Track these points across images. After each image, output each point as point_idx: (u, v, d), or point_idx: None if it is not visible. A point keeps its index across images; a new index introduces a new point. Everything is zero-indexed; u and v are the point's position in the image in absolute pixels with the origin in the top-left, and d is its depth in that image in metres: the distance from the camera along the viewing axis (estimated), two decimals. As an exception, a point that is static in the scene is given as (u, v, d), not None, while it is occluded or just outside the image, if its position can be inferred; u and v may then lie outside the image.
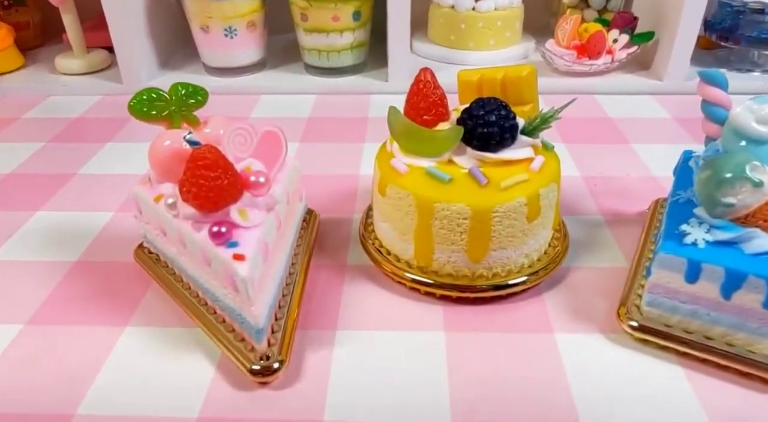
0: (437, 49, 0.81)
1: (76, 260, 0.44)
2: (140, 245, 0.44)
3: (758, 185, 0.31)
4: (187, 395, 0.33)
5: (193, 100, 0.38)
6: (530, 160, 0.38)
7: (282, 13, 0.78)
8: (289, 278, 0.40)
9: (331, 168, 0.56)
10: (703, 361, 0.34)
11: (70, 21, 0.76)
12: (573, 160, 0.57)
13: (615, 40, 0.73)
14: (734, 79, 0.72)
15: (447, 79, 0.73)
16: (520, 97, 0.40)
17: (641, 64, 0.76)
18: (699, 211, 0.34)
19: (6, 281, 0.42)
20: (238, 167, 0.34)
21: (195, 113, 0.38)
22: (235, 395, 0.33)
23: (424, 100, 0.39)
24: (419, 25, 0.85)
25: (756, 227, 0.32)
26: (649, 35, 0.72)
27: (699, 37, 0.76)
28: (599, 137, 0.62)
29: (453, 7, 0.78)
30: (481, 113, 0.37)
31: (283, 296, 0.38)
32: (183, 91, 0.38)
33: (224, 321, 0.36)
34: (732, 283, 0.32)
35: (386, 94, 0.73)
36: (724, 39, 0.74)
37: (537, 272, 0.40)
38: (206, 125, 0.38)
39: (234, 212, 0.33)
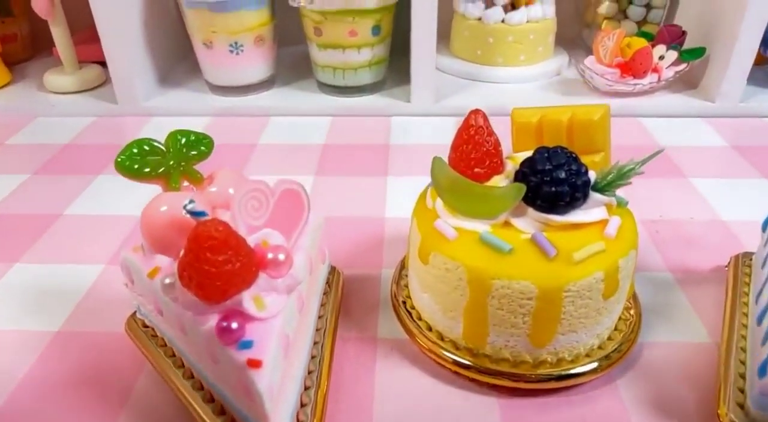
0: (462, 65, 0.74)
1: (57, 329, 0.38)
2: (133, 314, 0.37)
3: None
4: None
5: (195, 152, 0.31)
6: (604, 222, 0.32)
7: (293, 24, 0.71)
8: (312, 362, 0.33)
9: (352, 209, 0.50)
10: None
11: (59, 34, 0.69)
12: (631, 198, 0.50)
13: (661, 57, 0.66)
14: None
15: (472, 99, 0.67)
16: (591, 144, 0.34)
17: (687, 83, 0.69)
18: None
19: (-26, 359, 0.36)
20: (252, 240, 0.28)
21: (198, 166, 0.32)
22: None
23: (476, 149, 0.32)
24: (441, 37, 0.78)
25: None
26: (700, 51, 0.65)
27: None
28: (652, 169, 0.55)
29: (480, 19, 0.71)
30: (548, 167, 0.30)
31: (306, 389, 0.31)
32: (183, 141, 0.31)
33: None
34: None
35: (408, 116, 0.66)
36: (779, 55, 0.67)
37: (609, 354, 0.33)
38: (211, 181, 0.31)
39: (248, 301, 0.26)
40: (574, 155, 0.31)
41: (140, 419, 0.32)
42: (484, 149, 0.32)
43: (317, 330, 0.35)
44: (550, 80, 0.72)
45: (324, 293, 0.38)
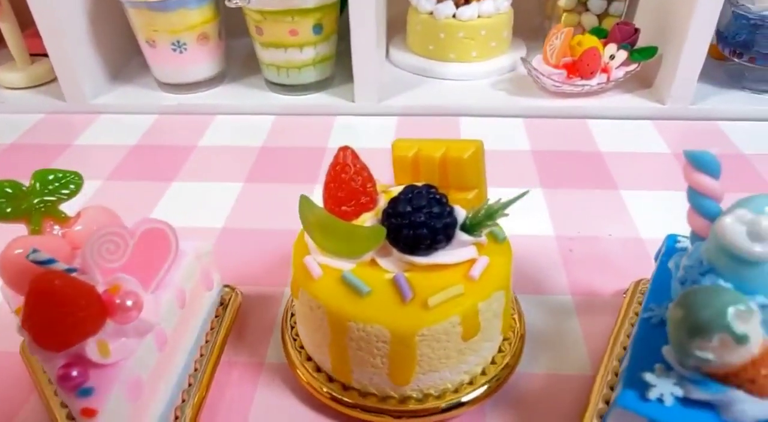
0: (416, 60, 0.73)
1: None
2: (30, 336, 0.38)
3: (742, 340, 0.24)
4: None
5: (66, 191, 0.32)
6: (471, 263, 0.31)
7: (244, 18, 0.70)
8: (188, 390, 0.34)
9: (272, 221, 0.50)
10: None
11: (8, 30, 0.69)
12: (549, 212, 0.50)
13: (612, 57, 0.64)
14: (751, 101, 0.64)
15: (422, 99, 0.66)
16: (463, 181, 0.33)
17: (642, 82, 0.68)
18: (668, 353, 0.27)
19: None
20: (102, 286, 0.28)
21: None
22: None
23: (342, 188, 0.32)
24: (398, 31, 0.77)
25: (738, 388, 0.25)
26: (650, 51, 0.63)
27: (711, 45, 0.67)
28: (584, 178, 0.54)
29: (431, 13, 0.69)
30: (408, 209, 0.30)
31: (176, 419, 0.32)
32: (51, 178, 0.32)
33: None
34: (703, 457, 0.25)
35: (352, 115, 0.66)
36: (738, 55, 0.65)
37: (477, 392, 0.33)
38: (77, 221, 0.32)
39: (91, 347, 0.27)
40: (437, 196, 0.31)
41: (20, 444, 0.33)
42: (352, 187, 0.32)
43: (202, 355, 0.36)
44: (502, 77, 0.70)
45: (217, 316, 0.39)
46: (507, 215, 0.31)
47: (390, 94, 0.67)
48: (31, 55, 0.73)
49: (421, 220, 0.30)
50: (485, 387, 0.34)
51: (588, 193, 0.52)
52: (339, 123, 0.65)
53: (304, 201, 0.32)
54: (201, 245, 0.36)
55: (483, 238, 0.32)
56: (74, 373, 0.27)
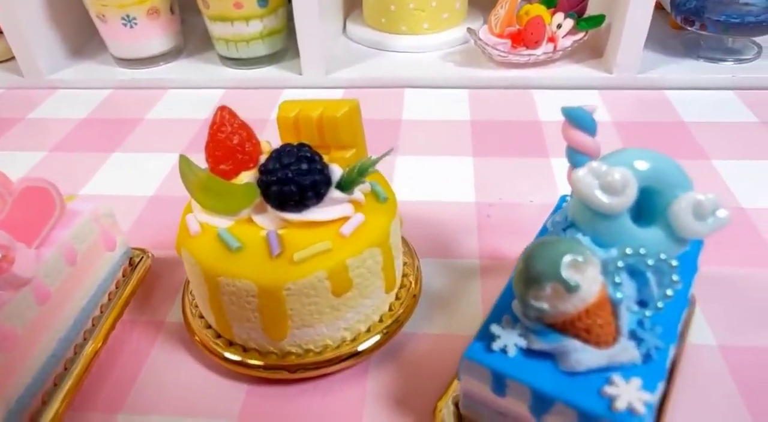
0: (370, 33, 0.72)
1: None
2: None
3: (572, 289, 0.24)
4: None
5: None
6: (345, 220, 0.32)
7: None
8: (79, 347, 0.35)
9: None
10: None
11: (-33, 7, 0.70)
12: (475, 180, 0.50)
13: (559, 26, 0.63)
14: (702, 70, 0.63)
15: (370, 72, 0.66)
16: (339, 140, 0.33)
17: (595, 51, 0.67)
18: (516, 306, 0.27)
19: None
20: (-27, 239, 0.29)
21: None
22: None
23: (219, 147, 0.32)
24: (358, 3, 0.77)
25: (575, 337, 0.25)
26: (598, 20, 0.62)
27: (669, 15, 0.66)
28: (517, 147, 0.54)
29: (382, -15, 0.69)
30: (276, 166, 0.31)
31: (66, 369, 0.34)
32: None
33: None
34: (540, 406, 0.26)
35: (300, 88, 0.66)
36: (689, 22, 0.63)
37: (359, 352, 0.34)
38: (-41, 179, 0.32)
39: (-41, 298, 0.28)
40: (308, 154, 0.31)
41: None
42: (228, 146, 0.33)
43: (102, 312, 0.37)
44: (454, 49, 0.70)
45: (124, 276, 0.40)
46: (373, 171, 0.31)
47: (339, 67, 0.67)
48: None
49: (288, 177, 0.30)
50: (369, 343, 0.34)
51: (519, 161, 0.52)
52: (286, 96, 0.65)
53: (184, 161, 0.33)
54: (100, 206, 0.37)
55: (359, 196, 0.33)
56: (-61, 322, 0.28)
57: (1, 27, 0.66)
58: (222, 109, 0.33)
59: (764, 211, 0.45)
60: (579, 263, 0.25)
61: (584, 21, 0.63)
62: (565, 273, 0.24)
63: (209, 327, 0.35)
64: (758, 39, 0.66)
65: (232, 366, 0.34)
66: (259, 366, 0.33)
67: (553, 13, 0.63)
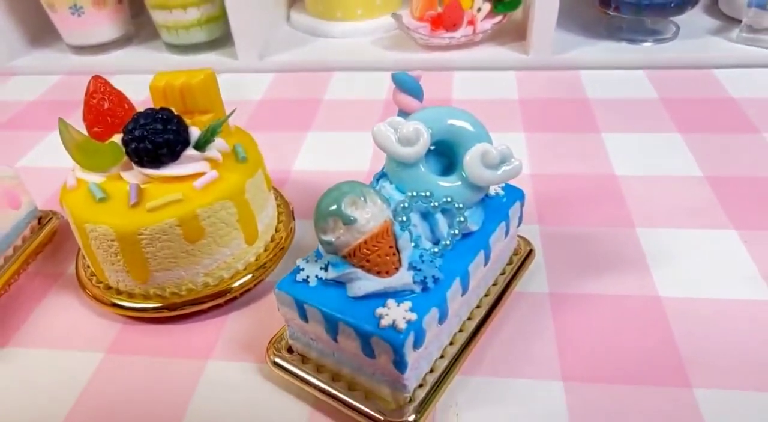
0: (310, 21, 0.76)
1: None
2: None
3: (351, 222, 0.28)
4: None
5: None
6: (199, 175, 0.36)
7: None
8: (-20, 292, 0.39)
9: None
10: (328, 401, 0.32)
11: (-65, 0, 0.76)
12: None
13: (479, 9, 0.66)
14: (617, 50, 0.66)
15: (301, 56, 0.70)
16: (197, 105, 0.37)
17: (519, 34, 0.70)
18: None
19: None
20: None
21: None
22: None
23: (92, 111, 0.37)
24: (299, -8, 0.81)
25: (359, 266, 0.29)
26: (514, 3, 0.66)
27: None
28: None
29: (317, -27, 0.72)
30: (134, 126, 0.35)
31: (-38, 313, 0.38)
32: None
33: None
34: (331, 327, 0.29)
35: (235, 72, 0.70)
36: (606, 5, 0.66)
37: (219, 295, 0.38)
38: None
39: None
40: (164, 116, 0.35)
41: None
42: (100, 111, 0.37)
43: (5, 263, 0.41)
44: (386, 34, 0.73)
45: (32, 233, 0.44)
46: (219, 131, 0.35)
47: (275, 53, 0.71)
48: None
49: (143, 135, 0.34)
50: (232, 287, 0.38)
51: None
52: (222, 79, 0.69)
53: (62, 125, 0.37)
54: (3, 168, 0.41)
55: (215, 154, 0.36)
56: None
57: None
58: (96, 78, 0.37)
59: (632, 178, 0.48)
60: (358, 201, 0.28)
61: (501, 5, 0.66)
62: (343, 209, 0.28)
63: (93, 274, 0.40)
64: (676, 19, 0.69)
65: (106, 308, 0.38)
66: (128, 307, 0.37)
67: (474, -2, 0.66)
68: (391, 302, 0.28)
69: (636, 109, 0.57)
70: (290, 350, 0.34)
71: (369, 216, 0.28)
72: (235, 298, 0.39)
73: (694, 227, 0.42)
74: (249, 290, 0.39)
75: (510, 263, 0.38)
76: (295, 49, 0.72)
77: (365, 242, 0.28)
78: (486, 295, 0.36)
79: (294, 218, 0.44)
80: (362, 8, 0.73)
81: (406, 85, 0.35)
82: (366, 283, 0.29)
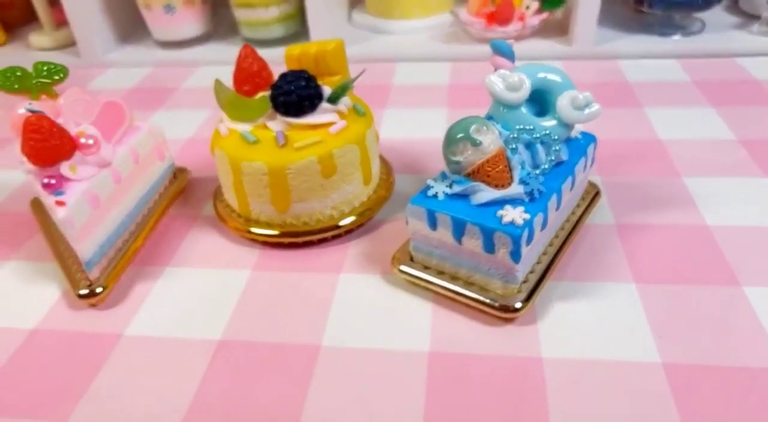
0: (370, 20, 0.85)
1: (-11, 209, 0.54)
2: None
3: (477, 144, 0.36)
4: (27, 312, 0.42)
5: (57, 77, 0.46)
6: (332, 124, 0.44)
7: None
8: (138, 225, 0.47)
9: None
10: (450, 298, 0.40)
11: (38, 3, 0.85)
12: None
13: (528, 7, 0.75)
14: (652, 43, 0.75)
15: (368, 50, 0.79)
16: (329, 69, 0.46)
17: (562, 29, 0.78)
18: (445, 167, 0.39)
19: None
20: (73, 130, 0.42)
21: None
22: (72, 313, 0.41)
23: (241, 72, 0.45)
24: (359, -4, 0.90)
25: (481, 181, 0.37)
26: (559, 1, 0.74)
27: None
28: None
29: (380, -23, 0.82)
30: (282, 83, 0.43)
31: (129, 238, 0.46)
32: (45, 69, 0.46)
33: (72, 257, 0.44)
34: (458, 230, 0.37)
35: (310, 63, 0.79)
36: (639, 2, 0.75)
37: (342, 226, 0.46)
38: (61, 96, 0.46)
39: (64, 167, 0.41)
40: (306, 76, 0.44)
41: (26, 258, 0.47)
42: (249, 72, 0.45)
43: (152, 206, 0.50)
44: (443, 31, 0.82)
45: (171, 183, 0.52)
46: (351, 88, 0.44)
47: (343, 46, 0.80)
48: (58, 24, 0.89)
49: (291, 89, 0.43)
50: (350, 220, 0.46)
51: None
52: (298, 69, 0.78)
53: (218, 83, 0.45)
54: (154, 125, 0.50)
55: (343, 107, 0.45)
56: (53, 181, 0.40)
57: (68, 18, 0.80)
58: (246, 46, 0.46)
59: (676, 142, 0.56)
60: (482, 129, 0.36)
61: (548, 2, 0.74)
62: (472, 133, 0.36)
63: (234, 211, 0.48)
64: (702, 15, 0.77)
65: (248, 235, 0.46)
66: (268, 235, 0.45)
67: (524, -4, 0.75)
68: (508, 206, 0.36)
69: (672, 89, 0.66)
70: (410, 261, 0.42)
71: (490, 141, 0.36)
72: (352, 230, 0.47)
73: (730, 176, 0.50)
74: (362, 224, 0.47)
75: (583, 199, 0.46)
76: (361, 44, 0.81)
77: (487, 161, 0.37)
78: (567, 221, 0.44)
79: (393, 173, 0.52)
80: (419, 8, 0.82)
81: (502, 50, 0.43)
82: (487, 193, 0.37)
